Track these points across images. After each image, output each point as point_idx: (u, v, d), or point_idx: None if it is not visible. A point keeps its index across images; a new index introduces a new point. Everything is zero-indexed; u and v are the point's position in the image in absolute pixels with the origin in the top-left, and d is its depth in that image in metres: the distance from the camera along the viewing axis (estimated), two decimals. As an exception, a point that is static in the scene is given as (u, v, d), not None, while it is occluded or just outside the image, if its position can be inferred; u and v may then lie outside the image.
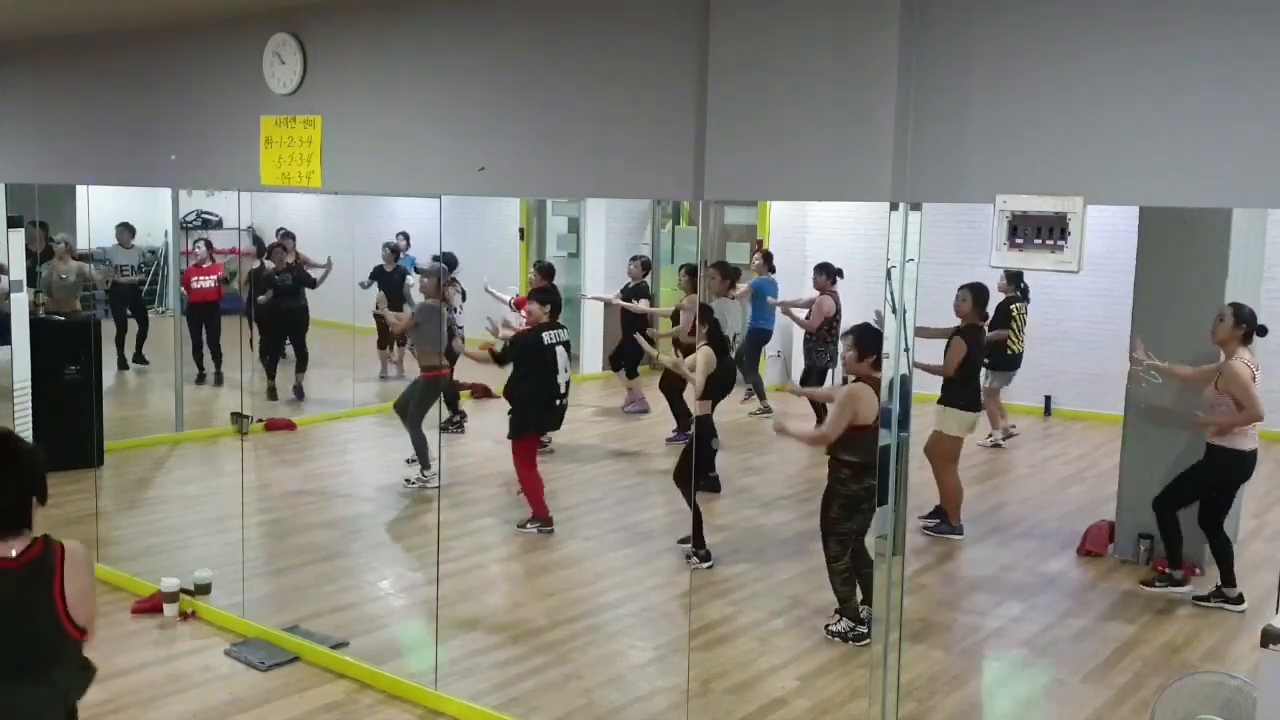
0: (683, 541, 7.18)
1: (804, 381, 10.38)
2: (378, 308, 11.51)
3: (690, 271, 10.10)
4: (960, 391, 7.62)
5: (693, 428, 6.75)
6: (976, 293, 7.63)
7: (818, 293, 10.30)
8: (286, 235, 12.33)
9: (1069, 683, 5.59)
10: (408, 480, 8.71)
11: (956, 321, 7.68)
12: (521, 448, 7.73)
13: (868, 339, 5.91)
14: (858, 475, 5.71)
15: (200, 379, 12.09)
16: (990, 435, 10.36)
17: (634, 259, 11.55)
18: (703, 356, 7.23)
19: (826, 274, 10.20)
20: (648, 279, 11.53)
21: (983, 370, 10.04)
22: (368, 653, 5.63)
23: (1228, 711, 3.98)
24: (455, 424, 10.39)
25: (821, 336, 10.20)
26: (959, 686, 5.59)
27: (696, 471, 6.96)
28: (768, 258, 11.43)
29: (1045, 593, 6.84)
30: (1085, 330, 10.33)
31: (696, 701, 5.16)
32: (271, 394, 11.56)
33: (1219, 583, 6.52)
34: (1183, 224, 6.97)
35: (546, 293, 8.22)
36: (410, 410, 8.61)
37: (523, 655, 5.74)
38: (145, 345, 12.81)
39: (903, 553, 4.22)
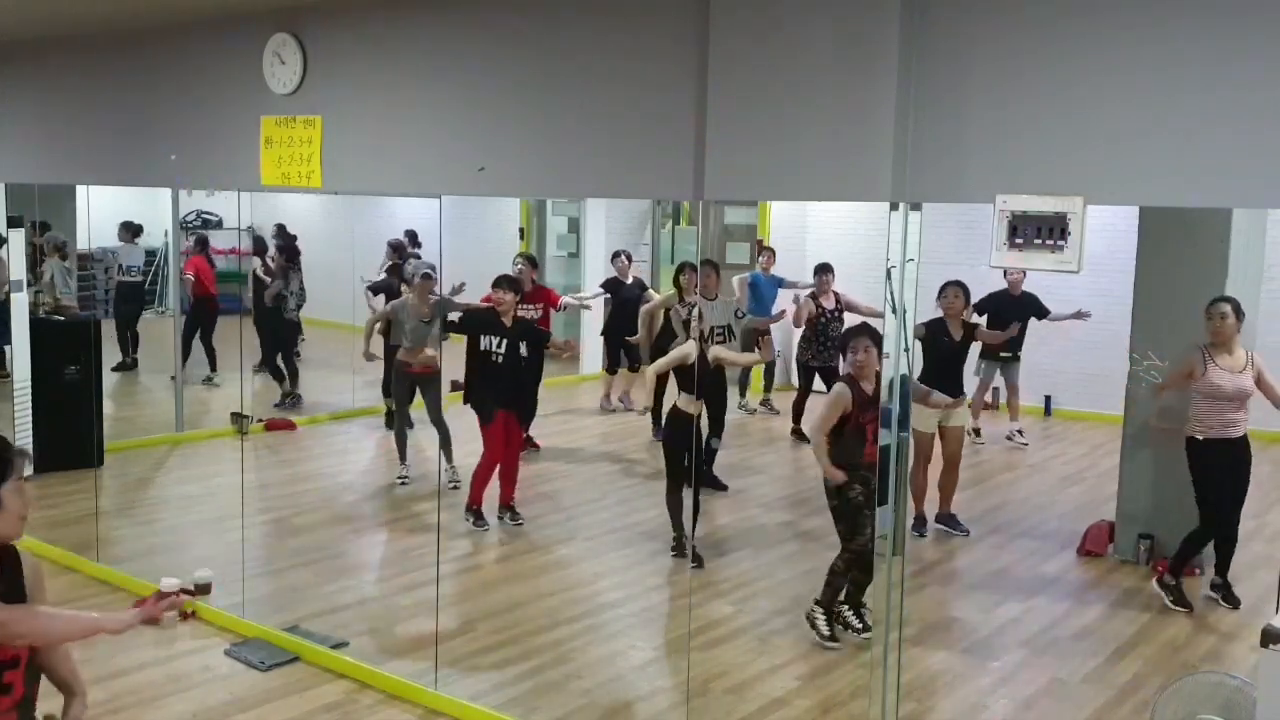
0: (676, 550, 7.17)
1: (801, 384, 10.35)
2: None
3: (694, 270, 10.08)
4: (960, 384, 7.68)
5: (695, 423, 6.75)
6: (966, 289, 7.65)
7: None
8: (281, 233, 12.27)
9: (1069, 683, 5.59)
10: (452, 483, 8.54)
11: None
12: None
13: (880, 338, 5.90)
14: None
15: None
16: (1018, 431, 10.50)
17: (618, 254, 11.43)
18: (686, 348, 7.28)
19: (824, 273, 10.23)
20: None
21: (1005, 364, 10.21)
22: (368, 653, 5.63)
23: (1228, 711, 3.98)
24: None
25: (812, 335, 10.19)
26: (959, 686, 5.59)
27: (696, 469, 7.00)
28: (769, 253, 11.42)
29: (1045, 593, 6.83)
30: (1085, 330, 10.30)
31: (696, 701, 5.16)
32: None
33: (1217, 578, 6.53)
34: (1183, 224, 6.97)
35: (512, 280, 7.98)
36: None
37: (522, 655, 5.74)
38: (139, 348, 12.76)
39: (903, 553, 4.22)
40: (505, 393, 7.69)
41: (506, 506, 7.83)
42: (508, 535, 7.70)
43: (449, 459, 8.43)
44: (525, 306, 9.15)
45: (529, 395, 7.89)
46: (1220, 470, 6.41)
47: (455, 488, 8.30)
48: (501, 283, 7.82)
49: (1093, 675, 5.65)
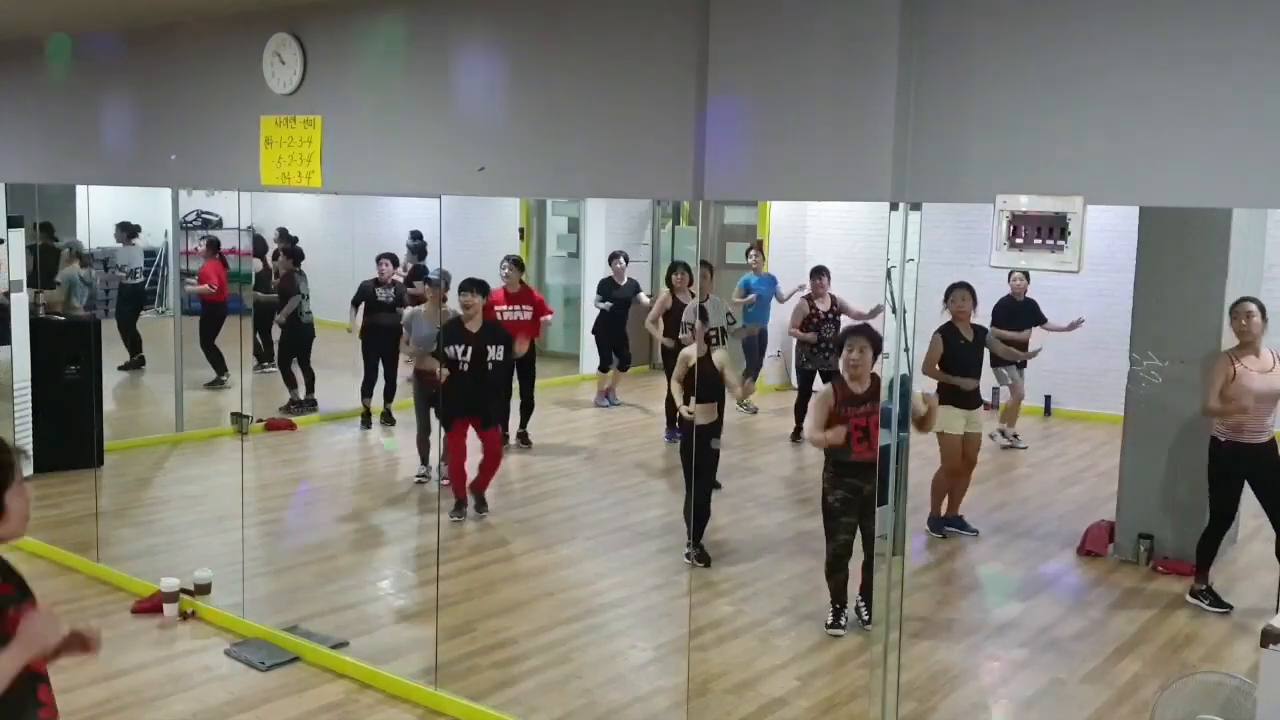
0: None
1: (800, 386, 10.33)
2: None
3: (686, 270, 10.08)
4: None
5: (696, 426, 6.75)
6: (974, 291, 7.64)
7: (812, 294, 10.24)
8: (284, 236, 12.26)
9: (1069, 683, 5.59)
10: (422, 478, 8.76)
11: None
12: None
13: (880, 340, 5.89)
14: None
15: None
16: (1015, 434, 10.51)
17: (616, 255, 11.42)
18: (687, 350, 7.28)
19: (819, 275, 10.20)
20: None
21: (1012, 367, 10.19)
22: (368, 653, 5.63)
23: (1228, 711, 3.98)
24: None
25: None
26: (959, 686, 5.59)
27: (701, 473, 6.98)
28: (757, 254, 11.39)
29: (1045, 593, 6.84)
30: (1085, 330, 10.30)
31: (696, 701, 5.16)
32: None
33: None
34: (1183, 224, 6.97)
35: (479, 284, 7.93)
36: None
37: (523, 655, 5.75)
38: (140, 347, 12.76)
39: (903, 553, 4.22)
40: (472, 399, 7.68)
41: (476, 492, 7.90)
42: (508, 535, 7.71)
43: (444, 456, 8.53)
44: (512, 308, 9.20)
45: (502, 399, 7.90)
46: (1241, 476, 6.33)
47: (422, 481, 8.62)
48: (468, 286, 7.79)
49: (1093, 675, 5.65)
